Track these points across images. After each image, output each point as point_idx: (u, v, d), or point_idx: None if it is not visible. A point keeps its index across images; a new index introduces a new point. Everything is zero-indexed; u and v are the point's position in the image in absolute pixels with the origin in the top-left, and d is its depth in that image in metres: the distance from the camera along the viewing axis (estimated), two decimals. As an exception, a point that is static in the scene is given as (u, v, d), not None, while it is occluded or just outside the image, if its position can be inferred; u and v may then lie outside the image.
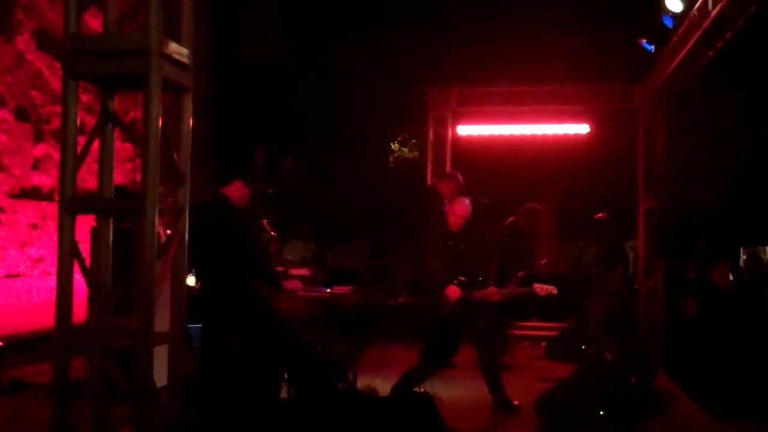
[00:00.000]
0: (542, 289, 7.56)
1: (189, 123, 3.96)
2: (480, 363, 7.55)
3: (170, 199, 4.17)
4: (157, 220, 3.63)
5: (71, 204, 3.68)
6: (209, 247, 5.93)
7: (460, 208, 7.51)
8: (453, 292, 7.14)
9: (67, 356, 3.78)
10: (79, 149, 3.79)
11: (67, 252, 3.70)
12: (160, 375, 4.04)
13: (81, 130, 3.91)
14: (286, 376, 6.49)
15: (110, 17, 3.91)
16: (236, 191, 6.08)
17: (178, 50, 3.80)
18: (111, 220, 3.96)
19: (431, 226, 8.00)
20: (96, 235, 4.02)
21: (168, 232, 5.89)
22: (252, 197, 6.34)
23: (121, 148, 8.71)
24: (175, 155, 3.90)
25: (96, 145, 3.93)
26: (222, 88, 13.49)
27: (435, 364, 7.33)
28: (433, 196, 9.28)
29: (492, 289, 7.47)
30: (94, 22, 6.45)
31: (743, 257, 14.31)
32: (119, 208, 4.16)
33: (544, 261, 11.30)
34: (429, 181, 12.93)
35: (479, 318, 7.44)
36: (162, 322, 3.98)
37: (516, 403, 7.40)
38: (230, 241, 5.96)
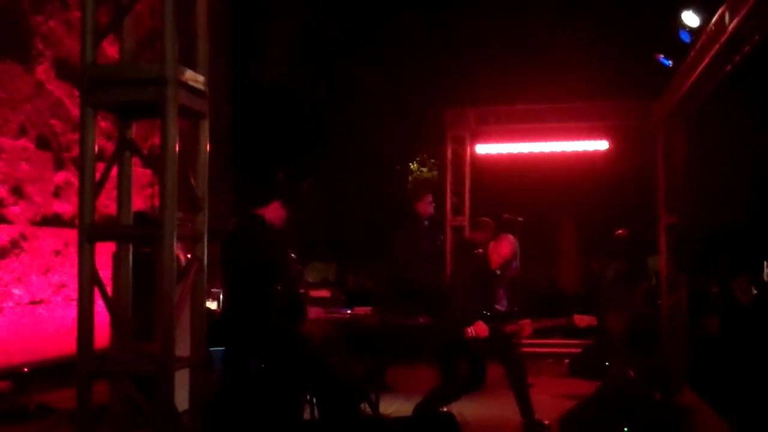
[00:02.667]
0: (582, 319, 7.35)
1: (206, 149, 4.00)
2: (511, 384, 7.45)
3: (189, 224, 4.20)
4: (175, 246, 3.65)
5: (90, 231, 3.72)
6: (241, 268, 5.95)
7: (506, 248, 7.41)
8: (481, 330, 7.04)
9: (89, 382, 3.80)
10: (97, 176, 3.83)
11: (88, 279, 3.73)
12: (182, 399, 4.06)
13: (100, 157, 3.95)
14: (308, 398, 6.49)
15: (127, 46, 3.96)
16: (274, 212, 6.07)
17: (194, 77, 3.84)
18: (130, 247, 3.99)
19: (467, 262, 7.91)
20: (116, 261, 4.05)
21: (188, 256, 5.93)
22: (289, 218, 6.30)
23: (141, 173, 8.78)
24: (192, 181, 3.93)
25: (116, 170, 3.97)
26: (240, 111, 13.57)
27: (462, 390, 7.27)
28: (470, 247, 9.15)
29: (526, 321, 7.33)
30: (111, 50, 6.54)
31: (767, 271, 14.20)
32: (138, 235, 4.20)
33: None
34: (448, 200, 12.94)
35: (509, 342, 7.35)
36: (183, 347, 4.00)
37: (546, 422, 7.26)
38: (263, 265, 5.96)
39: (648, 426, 6.64)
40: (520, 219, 9.57)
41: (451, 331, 7.14)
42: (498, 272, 7.50)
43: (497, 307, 7.25)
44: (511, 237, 7.52)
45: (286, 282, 6.08)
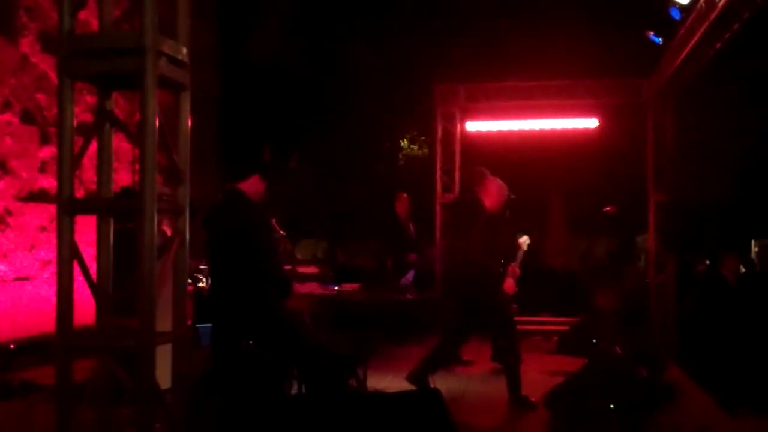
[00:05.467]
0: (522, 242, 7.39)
1: (188, 121, 3.94)
2: (502, 357, 7.44)
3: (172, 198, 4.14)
4: (156, 220, 3.61)
5: (70, 204, 3.67)
6: (224, 244, 5.91)
7: (502, 190, 7.41)
8: (510, 287, 7.05)
9: (68, 358, 3.76)
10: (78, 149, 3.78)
11: (67, 253, 3.68)
12: (166, 376, 4.03)
13: (85, 132, 3.90)
14: (296, 373, 6.48)
15: (106, 16, 3.89)
16: (253, 186, 6.03)
17: (175, 47, 3.78)
18: (111, 220, 3.94)
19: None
20: (97, 235, 4.00)
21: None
22: (267, 193, 6.26)
23: (128, 149, 8.71)
24: (174, 154, 3.88)
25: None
26: (228, 86, 13.48)
27: (448, 353, 7.31)
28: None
29: (509, 280, 7.30)
30: (96, 23, 6.46)
31: (755, 249, 14.24)
32: (118, 208, 4.15)
33: None
34: (438, 178, 12.93)
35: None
36: (166, 322, 3.97)
37: (533, 400, 7.24)
38: (245, 239, 5.92)
39: (634, 403, 6.66)
40: (513, 196, 9.49)
41: (491, 298, 7.09)
42: (496, 226, 7.45)
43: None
44: (498, 180, 7.47)
45: (269, 257, 6.04)
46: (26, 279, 8.66)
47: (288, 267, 7.61)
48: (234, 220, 5.88)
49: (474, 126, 13.31)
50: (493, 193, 7.35)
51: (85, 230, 4.23)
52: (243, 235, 5.87)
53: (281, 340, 5.99)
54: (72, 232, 3.69)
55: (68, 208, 3.65)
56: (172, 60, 3.74)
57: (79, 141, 3.78)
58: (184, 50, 3.86)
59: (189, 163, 3.97)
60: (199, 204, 5.65)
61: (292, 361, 6.25)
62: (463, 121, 13.23)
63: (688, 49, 9.05)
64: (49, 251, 8.93)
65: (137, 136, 3.70)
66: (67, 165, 3.63)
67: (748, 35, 8.49)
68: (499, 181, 7.46)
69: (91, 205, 4.09)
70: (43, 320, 8.45)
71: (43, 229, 8.90)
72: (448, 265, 7.73)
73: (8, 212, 8.38)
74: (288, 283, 6.45)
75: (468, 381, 8.28)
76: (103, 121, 3.80)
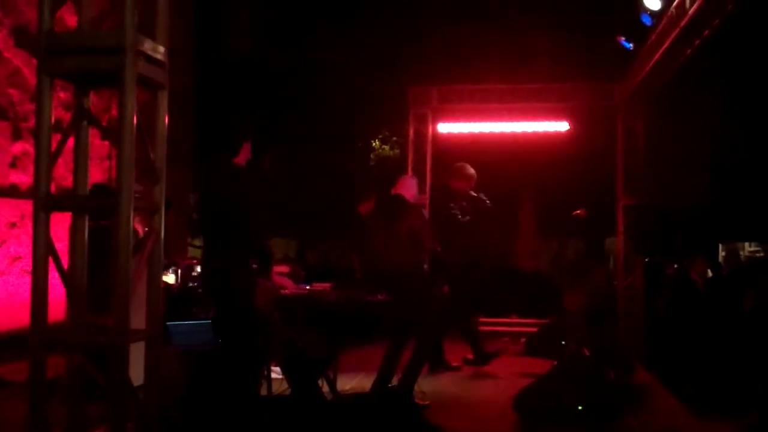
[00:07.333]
0: None
1: (165, 120, 3.95)
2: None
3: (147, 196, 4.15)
4: (132, 217, 3.62)
5: (46, 201, 3.67)
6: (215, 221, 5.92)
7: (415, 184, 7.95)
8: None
9: (42, 354, 3.76)
10: (55, 147, 3.78)
11: (42, 250, 3.68)
12: (138, 374, 4.03)
13: (59, 128, 3.89)
14: (266, 373, 6.49)
15: (85, 15, 3.90)
16: (245, 156, 6.11)
17: (154, 47, 3.79)
18: (86, 218, 3.95)
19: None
20: (72, 232, 4.00)
21: (146, 229, 5.84)
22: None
23: (100, 145, 8.65)
24: (150, 152, 3.89)
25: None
26: (201, 84, 13.43)
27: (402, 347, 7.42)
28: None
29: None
30: (73, 20, 6.43)
31: (722, 253, 14.44)
32: (94, 205, 4.15)
33: None
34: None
35: None
36: (139, 320, 3.97)
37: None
38: (229, 213, 5.89)
39: (601, 404, 6.73)
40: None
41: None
42: None
43: None
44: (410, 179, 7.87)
45: (254, 230, 6.02)
46: (-5, 274, 8.58)
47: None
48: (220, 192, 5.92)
49: (446, 127, 13.36)
50: (410, 186, 7.78)
51: (55, 228, 4.23)
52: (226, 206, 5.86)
53: (249, 338, 5.99)
54: (48, 228, 3.70)
55: (45, 204, 3.66)
56: (151, 59, 3.76)
57: (54, 138, 3.78)
58: (163, 50, 3.88)
59: (165, 161, 3.98)
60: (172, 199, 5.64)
61: (262, 360, 6.26)
62: (435, 122, 13.27)
63: (658, 54, 9.15)
64: (18, 247, 8.85)
65: (113, 134, 3.70)
66: (44, 162, 3.63)
67: (719, 42, 8.61)
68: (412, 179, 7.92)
69: (68, 202, 4.09)
70: (12, 316, 8.37)
71: (13, 225, 8.82)
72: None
73: (-22, 208, 8.31)
74: (269, 258, 6.48)
75: (438, 383, 8.32)
76: (80, 119, 3.80)
